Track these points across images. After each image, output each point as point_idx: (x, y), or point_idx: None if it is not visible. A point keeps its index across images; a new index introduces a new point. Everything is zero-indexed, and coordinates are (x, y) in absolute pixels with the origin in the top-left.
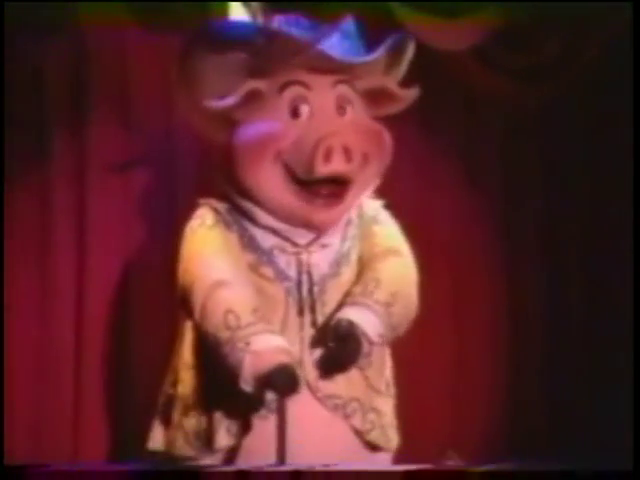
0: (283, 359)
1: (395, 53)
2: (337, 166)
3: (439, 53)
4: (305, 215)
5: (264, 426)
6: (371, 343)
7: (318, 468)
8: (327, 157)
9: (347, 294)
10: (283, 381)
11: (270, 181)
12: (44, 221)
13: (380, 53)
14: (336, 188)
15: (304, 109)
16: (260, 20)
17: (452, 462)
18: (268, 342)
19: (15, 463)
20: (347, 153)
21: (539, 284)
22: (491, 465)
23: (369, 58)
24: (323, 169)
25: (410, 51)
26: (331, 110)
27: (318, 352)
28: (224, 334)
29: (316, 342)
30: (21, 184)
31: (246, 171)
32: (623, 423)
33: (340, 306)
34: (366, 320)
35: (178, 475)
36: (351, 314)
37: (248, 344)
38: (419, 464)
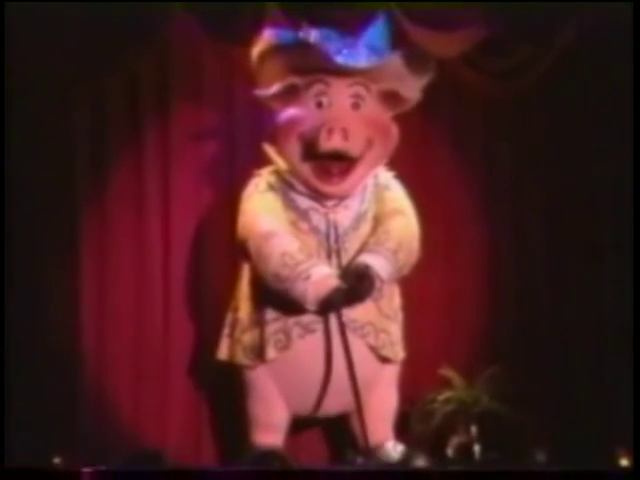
0: (335, 283)
1: (414, 68)
2: (336, 143)
3: (436, 59)
4: (320, 187)
5: (310, 337)
6: (382, 281)
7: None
8: (328, 135)
9: (364, 244)
10: (339, 298)
11: (293, 156)
12: (137, 191)
13: (385, 61)
14: (343, 166)
15: (325, 102)
16: (302, 33)
17: (445, 372)
18: (322, 272)
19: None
20: (345, 133)
21: (510, 231)
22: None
23: (376, 64)
24: (325, 144)
25: (430, 74)
26: (346, 104)
27: (342, 287)
28: (284, 271)
29: (340, 280)
30: (119, 160)
31: (279, 148)
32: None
33: (358, 252)
34: (378, 263)
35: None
36: (367, 259)
37: (308, 276)
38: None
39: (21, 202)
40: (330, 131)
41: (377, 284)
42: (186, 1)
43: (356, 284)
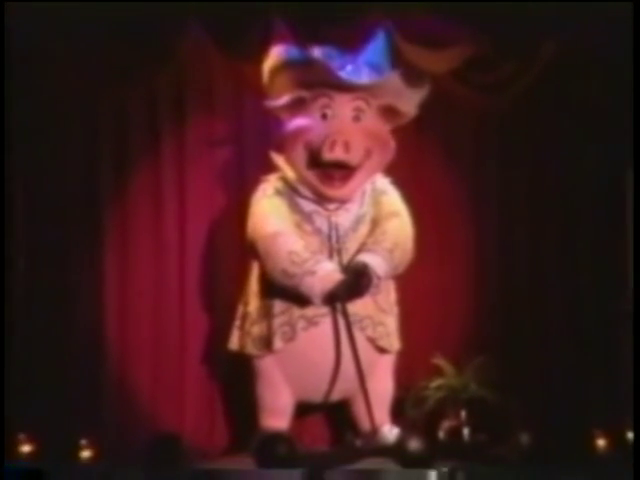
0: (339, 277)
1: (410, 85)
2: (338, 154)
3: (428, 75)
4: (323, 191)
5: (314, 330)
6: (379, 278)
7: None
8: (331, 147)
9: (363, 244)
10: (344, 291)
11: (299, 164)
12: (155, 193)
13: (384, 78)
14: (344, 173)
15: (329, 114)
16: (307, 51)
17: (436, 361)
18: (327, 268)
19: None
20: (346, 146)
21: (496, 232)
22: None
23: (376, 81)
24: (328, 155)
25: (425, 91)
26: (348, 117)
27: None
28: (292, 268)
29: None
30: (139, 165)
31: (286, 155)
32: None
33: (358, 252)
34: (375, 262)
35: None
36: (365, 258)
37: (314, 272)
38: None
39: (48, 203)
40: (333, 143)
41: (374, 281)
42: (196, 1)
43: (356, 281)
